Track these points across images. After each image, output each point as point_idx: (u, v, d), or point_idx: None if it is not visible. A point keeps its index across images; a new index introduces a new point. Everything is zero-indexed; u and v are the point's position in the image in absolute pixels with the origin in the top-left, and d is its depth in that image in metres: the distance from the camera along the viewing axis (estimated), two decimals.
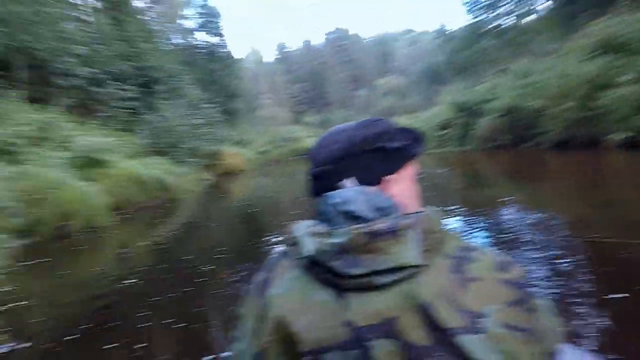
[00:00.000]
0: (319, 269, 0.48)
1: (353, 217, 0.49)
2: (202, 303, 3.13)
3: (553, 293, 2.54)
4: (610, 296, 2.35)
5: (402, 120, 40.18)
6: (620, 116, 8.44)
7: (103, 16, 18.47)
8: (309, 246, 0.49)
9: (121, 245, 6.01)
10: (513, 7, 25.59)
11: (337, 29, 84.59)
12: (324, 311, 0.47)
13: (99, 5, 19.93)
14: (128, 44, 18.07)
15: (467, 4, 26.62)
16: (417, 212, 0.51)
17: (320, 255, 0.48)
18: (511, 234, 4.15)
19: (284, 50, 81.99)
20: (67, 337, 2.74)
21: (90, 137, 9.71)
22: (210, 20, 30.67)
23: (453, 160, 13.00)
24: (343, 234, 0.47)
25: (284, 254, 0.56)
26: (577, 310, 2.27)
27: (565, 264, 3.02)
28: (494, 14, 26.16)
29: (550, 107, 10.26)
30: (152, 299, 3.38)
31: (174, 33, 29.59)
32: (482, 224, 4.78)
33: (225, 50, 31.17)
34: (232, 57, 32.20)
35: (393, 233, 0.46)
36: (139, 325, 2.83)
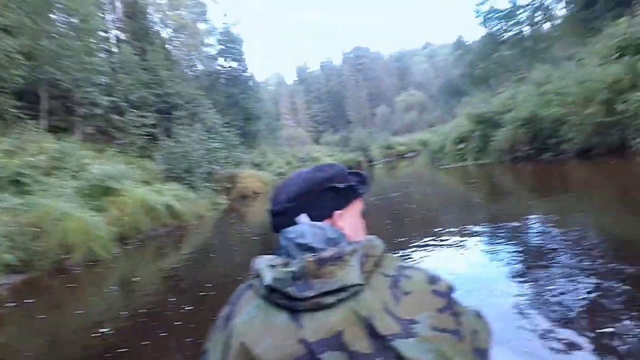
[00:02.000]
0: (276, 295, 0.54)
1: (307, 249, 0.56)
2: None
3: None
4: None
5: (422, 135, 39.82)
6: None
7: (127, 46, 19.37)
8: (268, 276, 0.55)
9: (114, 281, 5.88)
10: (530, 14, 25.06)
11: (355, 47, 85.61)
12: (282, 332, 0.52)
13: (123, 36, 20.97)
14: (149, 72, 18.78)
15: (481, 14, 26.30)
16: (359, 241, 0.58)
17: (277, 283, 0.54)
18: (535, 249, 3.96)
19: (304, 71, 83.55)
20: None
21: (104, 165, 9.94)
22: (231, 47, 31.67)
23: (471, 176, 12.55)
24: (297, 263, 0.54)
25: (248, 286, 0.61)
26: None
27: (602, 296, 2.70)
28: (511, 22, 25.69)
29: (572, 114, 9.73)
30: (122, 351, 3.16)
31: (195, 60, 30.70)
32: (504, 236, 4.62)
33: (246, 74, 31.98)
34: (253, 80, 32.98)
35: (338, 259, 0.54)
36: None
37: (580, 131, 9.42)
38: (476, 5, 26.39)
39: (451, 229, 5.56)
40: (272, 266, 0.56)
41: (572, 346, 2.19)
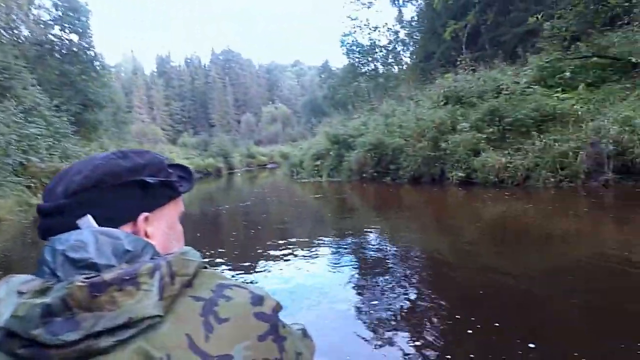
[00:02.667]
0: (16, 342, 0.37)
1: (86, 266, 0.40)
2: None
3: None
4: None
5: (284, 148, 41.18)
6: (458, 158, 9.74)
7: None
8: (6, 312, 0.37)
9: None
10: (384, 55, 28.93)
11: (226, 50, 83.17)
12: None
13: None
14: None
15: (345, 45, 29.04)
16: (166, 255, 0.45)
17: (17, 322, 0.36)
18: (372, 260, 4.63)
19: (167, 63, 76.78)
20: None
21: None
22: (72, 16, 26.66)
23: (324, 191, 13.35)
24: (58, 290, 0.37)
25: None
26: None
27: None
28: (370, 59, 29.10)
29: (408, 146, 11.33)
30: None
31: (18, 22, 24.71)
32: (348, 249, 5.20)
33: (90, 52, 27.33)
34: (99, 61, 28.38)
35: (127, 281, 0.39)
36: None
37: (413, 161, 11.04)
38: (342, 35, 28.98)
39: (302, 240, 5.97)
40: (20, 293, 0.39)
41: (392, 348, 2.57)
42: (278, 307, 0.47)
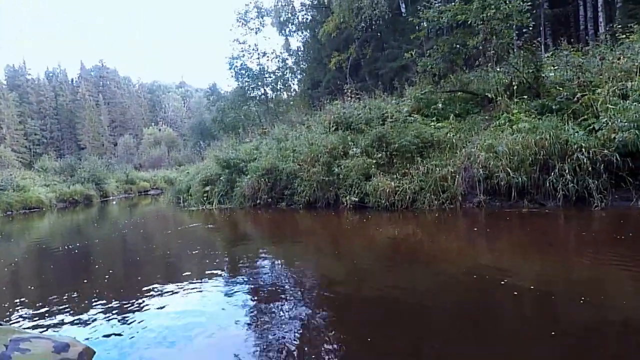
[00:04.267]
0: None
1: None
2: None
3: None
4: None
5: (169, 173, 37.99)
6: (351, 182, 9.90)
7: None
8: None
9: None
10: (273, 80, 29.16)
11: (101, 64, 74.68)
12: None
13: None
14: None
15: (233, 68, 28.55)
16: None
17: None
18: (267, 286, 4.64)
19: (21, 75, 65.31)
20: None
21: None
22: None
23: (215, 219, 12.33)
24: None
25: None
26: None
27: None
28: (258, 84, 28.99)
29: (302, 171, 11.17)
30: None
31: None
32: (241, 278, 5.10)
33: None
34: None
35: None
36: None
37: (307, 186, 10.89)
38: (230, 58, 28.34)
39: (191, 273, 5.71)
40: None
41: None
42: (88, 351, 0.37)
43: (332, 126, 12.37)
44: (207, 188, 15.86)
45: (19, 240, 11.75)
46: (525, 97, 9.88)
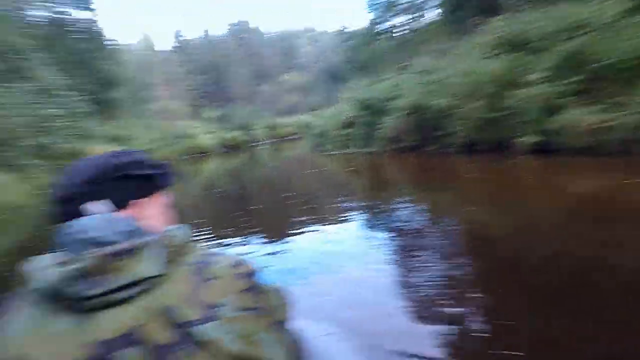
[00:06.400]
0: (57, 298, 0.49)
1: (93, 244, 0.51)
2: None
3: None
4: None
5: (307, 118, 39.35)
6: (527, 118, 7.80)
7: None
8: (44, 278, 0.49)
9: None
10: (407, 8, 26.07)
11: (239, 21, 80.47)
12: (64, 338, 0.47)
13: None
14: None
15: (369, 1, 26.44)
16: (158, 232, 0.56)
17: (56, 284, 0.48)
18: (410, 234, 4.35)
19: (182, 38, 75.00)
20: None
21: None
22: None
23: (356, 163, 11.80)
24: (81, 260, 0.49)
25: (20, 291, 0.53)
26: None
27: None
28: (392, 14, 26.37)
29: (457, 107, 9.43)
30: None
31: (22, 3, 23.46)
32: (382, 221, 5.03)
33: (95, 28, 26.02)
34: (103, 36, 27.06)
35: (129, 252, 0.50)
36: None
37: (464, 125, 9.18)
38: None
39: (333, 215, 5.67)
40: (49, 266, 0.50)
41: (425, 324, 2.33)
42: (252, 270, 0.58)
43: (495, 49, 9.96)
44: (345, 131, 15.38)
45: (194, 180, 13.70)
46: None
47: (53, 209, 0.59)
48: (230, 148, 33.87)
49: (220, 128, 38.63)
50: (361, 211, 5.83)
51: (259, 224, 5.78)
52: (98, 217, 0.54)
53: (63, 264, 0.49)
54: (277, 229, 5.39)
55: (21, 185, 10.24)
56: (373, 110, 13.35)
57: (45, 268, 0.49)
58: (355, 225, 4.98)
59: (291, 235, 4.77)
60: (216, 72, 68.95)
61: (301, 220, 5.52)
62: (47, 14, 24.30)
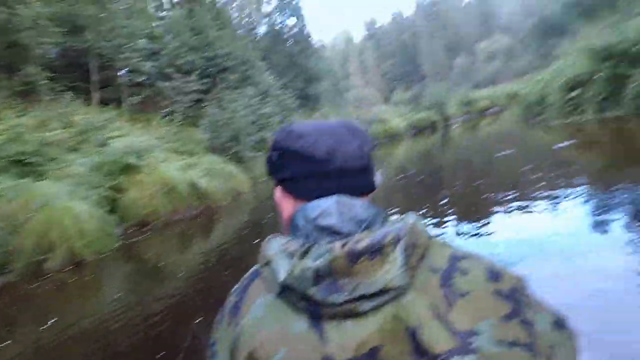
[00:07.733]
0: (294, 295, 0.43)
1: (331, 233, 0.45)
2: None
3: None
4: None
5: (510, 87, 34.09)
6: None
7: (174, 7, 18.18)
8: (283, 270, 0.44)
9: (84, 300, 4.34)
10: None
11: None
12: (301, 344, 0.42)
13: None
14: (197, 34, 17.40)
15: None
16: (399, 222, 0.46)
17: (295, 281, 0.43)
18: None
19: (373, 26, 77.84)
20: None
21: (132, 137, 8.65)
22: (287, 1, 29.28)
23: (593, 133, 9.20)
24: (321, 255, 0.42)
25: (256, 274, 0.50)
26: None
27: None
28: None
29: None
30: None
31: (249, 18, 28.89)
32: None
33: (304, 32, 29.50)
34: (310, 37, 30.34)
35: (376, 252, 0.42)
36: None
37: None
38: None
39: (544, 199, 4.88)
40: (287, 254, 0.45)
41: None
42: (519, 284, 0.44)
43: None
44: (574, 93, 12.26)
45: (387, 164, 13.79)
46: None
47: (303, 182, 0.49)
48: (422, 129, 32.92)
49: (411, 110, 38.05)
50: (576, 197, 4.75)
51: (453, 206, 5.53)
52: (335, 201, 0.46)
53: (301, 254, 0.43)
54: (474, 215, 5.07)
55: (244, 175, 12.23)
56: (619, 59, 10.07)
57: (282, 255, 0.44)
58: (568, 214, 4.24)
59: (490, 222, 4.45)
60: (406, 52, 68.48)
61: (503, 205, 4.97)
62: (268, 28, 29.15)
